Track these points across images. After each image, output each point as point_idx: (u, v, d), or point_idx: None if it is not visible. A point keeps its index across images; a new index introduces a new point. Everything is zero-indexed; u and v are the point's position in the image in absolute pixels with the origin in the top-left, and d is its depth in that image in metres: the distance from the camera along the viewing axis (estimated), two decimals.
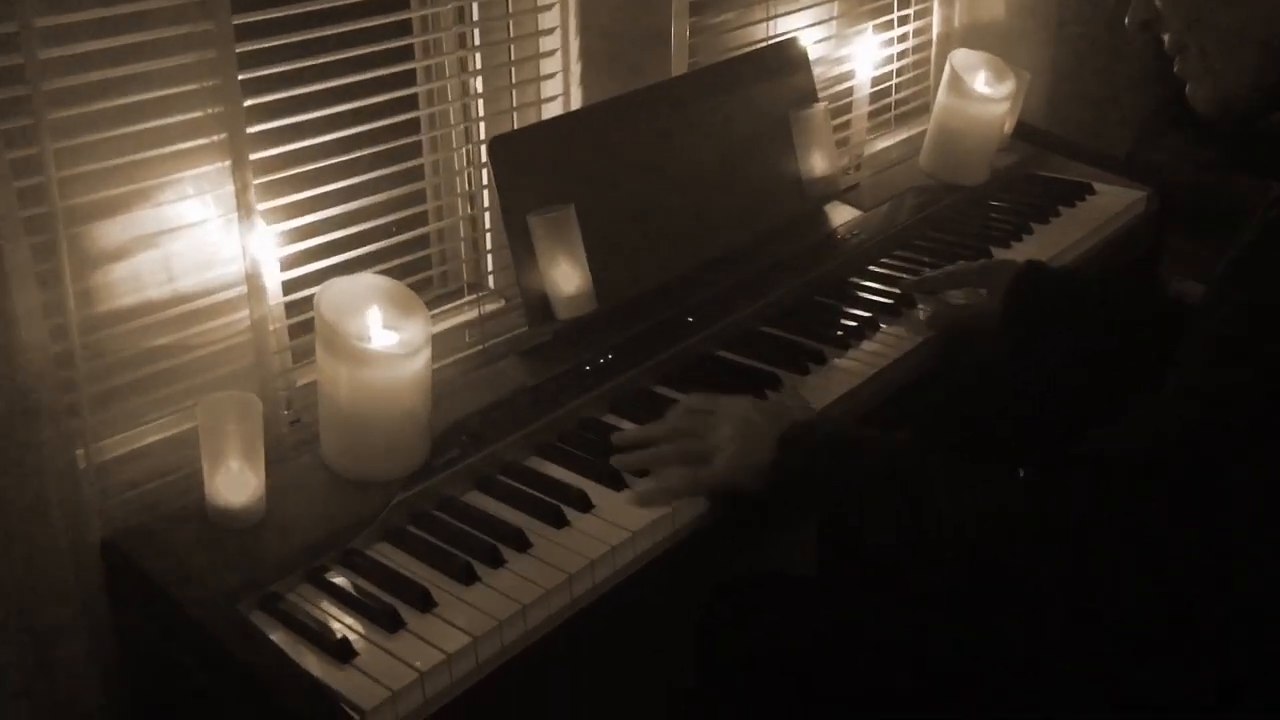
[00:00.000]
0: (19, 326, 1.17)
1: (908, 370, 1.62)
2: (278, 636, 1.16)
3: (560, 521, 1.29)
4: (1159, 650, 1.16)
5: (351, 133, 1.49)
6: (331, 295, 1.32)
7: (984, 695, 1.25)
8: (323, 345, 1.31)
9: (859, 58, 2.16)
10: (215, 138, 1.34)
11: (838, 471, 1.26)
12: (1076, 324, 1.55)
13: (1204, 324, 1.11)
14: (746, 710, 1.38)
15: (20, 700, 1.25)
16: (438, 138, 1.67)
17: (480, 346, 1.63)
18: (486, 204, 1.71)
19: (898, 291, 1.74)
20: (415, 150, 1.61)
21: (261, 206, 1.40)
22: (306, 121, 1.44)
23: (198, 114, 1.32)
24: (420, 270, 1.62)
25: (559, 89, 1.73)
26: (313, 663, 1.13)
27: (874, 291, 1.77)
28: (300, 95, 1.43)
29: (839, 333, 1.64)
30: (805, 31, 2.02)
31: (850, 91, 2.18)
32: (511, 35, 1.70)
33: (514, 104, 1.72)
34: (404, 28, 1.61)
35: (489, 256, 1.76)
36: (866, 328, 1.66)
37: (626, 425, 1.45)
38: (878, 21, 2.20)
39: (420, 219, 1.63)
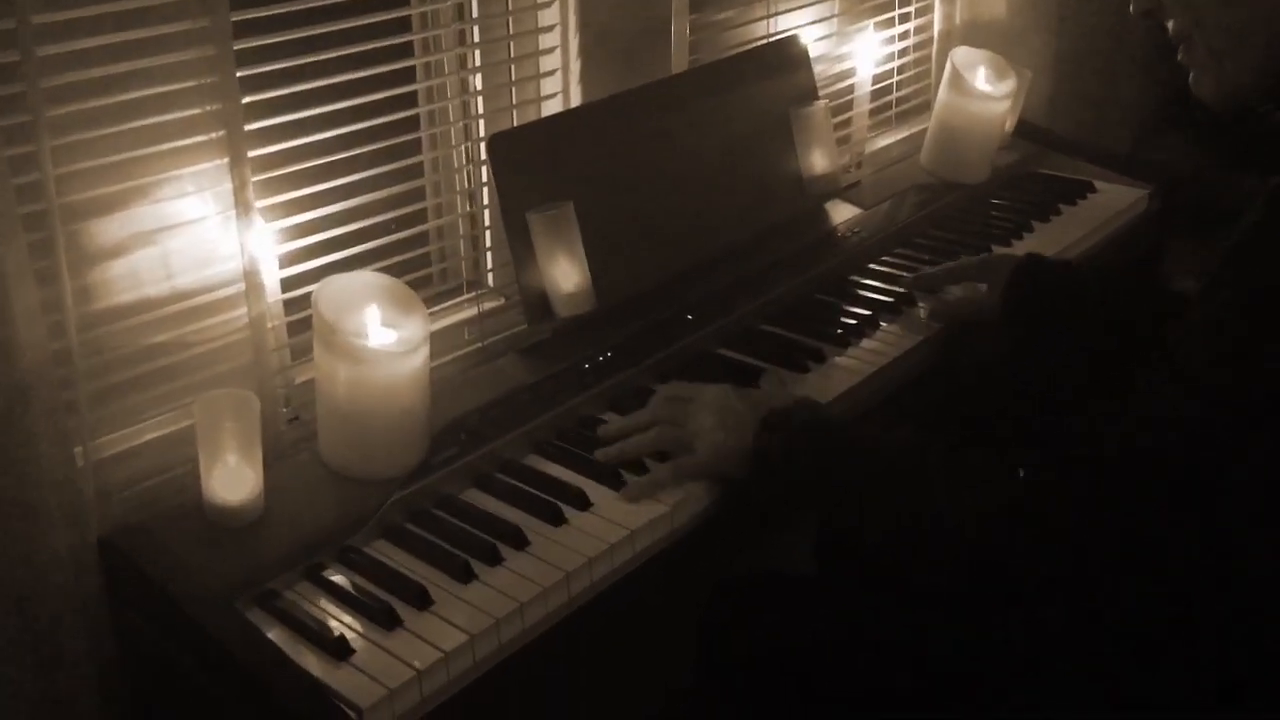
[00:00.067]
0: (16, 324, 1.17)
1: (908, 369, 1.62)
2: (275, 634, 1.16)
3: (558, 520, 1.29)
4: (1159, 650, 1.15)
5: (350, 130, 1.49)
6: (330, 293, 1.32)
7: (984, 695, 1.25)
8: (321, 343, 1.31)
9: (860, 55, 2.16)
10: (213, 135, 1.34)
11: (822, 460, 1.26)
12: (1076, 321, 1.55)
13: (1203, 308, 1.10)
14: (746, 710, 1.37)
15: (19, 699, 1.24)
16: (437, 135, 1.66)
17: (479, 344, 1.63)
18: (485, 201, 1.71)
19: (899, 290, 1.74)
20: (414, 147, 1.61)
21: (260, 204, 1.40)
22: (305, 118, 1.44)
23: (196, 111, 1.32)
24: (419, 268, 1.62)
25: (558, 86, 1.73)
26: (310, 661, 1.12)
27: (874, 290, 1.77)
28: (299, 92, 1.43)
29: (839, 331, 1.64)
30: (806, 29, 2.02)
31: (851, 89, 2.17)
32: (511, 32, 1.69)
33: (513, 101, 1.71)
34: (403, 24, 1.61)
35: (488, 254, 1.75)
36: (867, 326, 1.66)
37: None
38: (878, 19, 2.20)
39: (419, 216, 1.63)
